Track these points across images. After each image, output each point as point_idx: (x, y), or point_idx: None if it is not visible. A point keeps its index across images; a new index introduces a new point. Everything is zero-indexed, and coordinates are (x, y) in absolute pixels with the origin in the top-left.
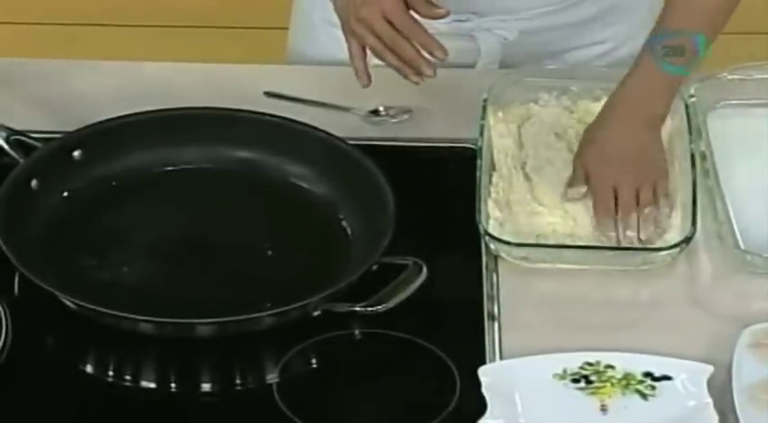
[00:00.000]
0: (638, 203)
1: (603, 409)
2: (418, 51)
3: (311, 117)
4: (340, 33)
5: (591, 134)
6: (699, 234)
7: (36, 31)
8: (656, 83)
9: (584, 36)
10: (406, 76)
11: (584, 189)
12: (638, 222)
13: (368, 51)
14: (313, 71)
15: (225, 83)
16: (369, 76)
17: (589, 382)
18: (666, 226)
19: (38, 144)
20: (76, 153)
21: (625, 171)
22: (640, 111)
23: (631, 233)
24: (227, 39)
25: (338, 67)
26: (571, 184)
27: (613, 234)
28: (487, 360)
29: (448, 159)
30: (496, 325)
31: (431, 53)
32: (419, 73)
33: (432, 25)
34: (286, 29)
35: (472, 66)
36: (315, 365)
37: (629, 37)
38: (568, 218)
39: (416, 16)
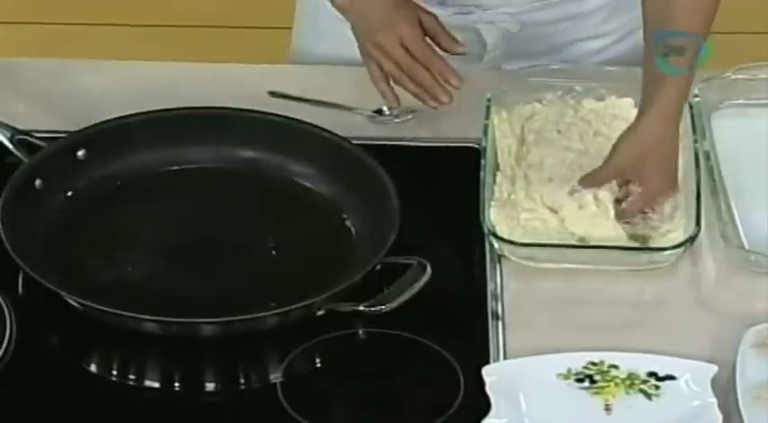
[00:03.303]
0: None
1: (608, 408)
2: (435, 79)
3: (315, 117)
4: (348, 30)
5: (630, 131)
6: (703, 234)
7: (40, 30)
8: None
9: (586, 28)
10: (424, 102)
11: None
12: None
13: None
14: (317, 71)
15: (229, 82)
16: (396, 97)
17: (593, 381)
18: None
19: (42, 144)
20: (80, 153)
21: (661, 175)
22: (675, 113)
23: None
24: (231, 38)
25: (342, 66)
26: (594, 180)
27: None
28: (491, 360)
29: (452, 159)
30: (500, 324)
31: (446, 81)
32: (436, 99)
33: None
34: (290, 28)
35: (478, 58)
36: (319, 365)
37: (632, 29)
38: (570, 218)
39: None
